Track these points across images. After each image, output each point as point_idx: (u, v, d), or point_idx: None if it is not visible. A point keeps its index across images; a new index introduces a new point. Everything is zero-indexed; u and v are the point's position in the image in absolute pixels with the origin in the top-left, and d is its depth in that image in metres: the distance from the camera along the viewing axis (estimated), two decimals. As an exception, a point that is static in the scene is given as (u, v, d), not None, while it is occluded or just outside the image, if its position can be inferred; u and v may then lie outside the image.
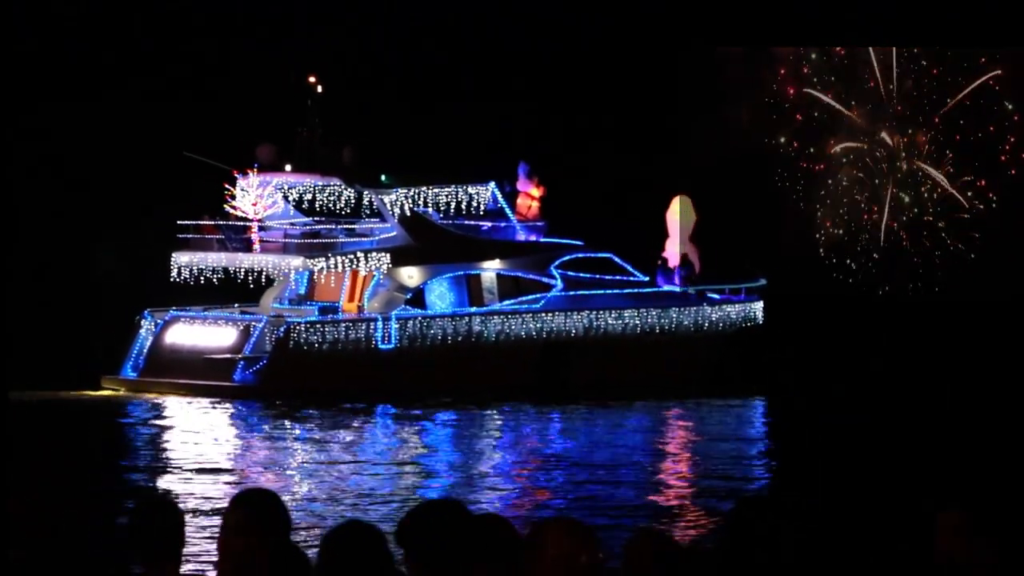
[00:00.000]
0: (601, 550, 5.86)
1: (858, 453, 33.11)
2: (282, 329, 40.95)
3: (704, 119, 74.33)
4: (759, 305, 47.32)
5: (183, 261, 43.11)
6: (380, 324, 41.84)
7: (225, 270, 43.07)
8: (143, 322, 42.41)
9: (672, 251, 47.21)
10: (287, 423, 37.27)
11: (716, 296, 46.96)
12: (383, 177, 43.52)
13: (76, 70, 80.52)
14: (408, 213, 43.45)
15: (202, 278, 43.00)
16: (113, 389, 41.58)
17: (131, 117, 76.38)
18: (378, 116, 58.36)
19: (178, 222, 43.67)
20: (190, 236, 43.41)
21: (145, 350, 42.01)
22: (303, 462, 31.99)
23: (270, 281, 44.06)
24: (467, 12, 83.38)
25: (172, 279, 43.05)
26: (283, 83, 48.67)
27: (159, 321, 42.24)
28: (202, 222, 43.39)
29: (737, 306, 46.75)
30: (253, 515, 6.53)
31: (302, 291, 44.18)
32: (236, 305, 44.06)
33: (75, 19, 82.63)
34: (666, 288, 46.24)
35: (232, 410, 39.18)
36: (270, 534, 6.47)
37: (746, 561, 6.09)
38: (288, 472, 30.75)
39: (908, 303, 66.89)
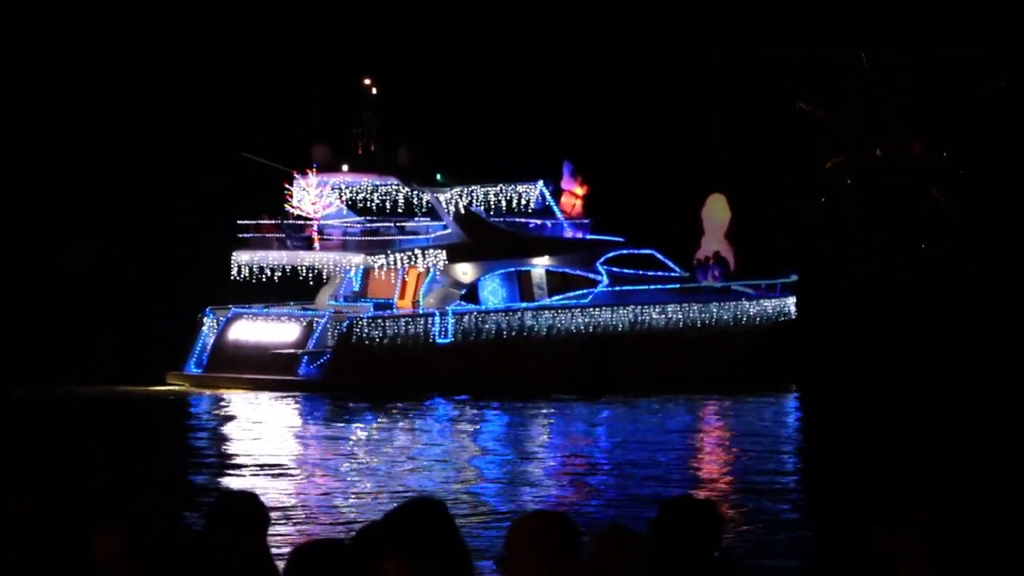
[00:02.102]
0: (578, 543, 5.81)
1: (860, 452, 33.96)
2: (344, 324, 42.04)
3: (702, 121, 75.59)
4: (792, 300, 48.71)
5: (243, 259, 44.11)
6: (438, 319, 43.00)
7: (284, 268, 44.12)
8: (205, 319, 43.37)
9: (707, 248, 48.58)
10: (352, 416, 38.34)
11: (752, 292, 48.34)
12: (438, 176, 44.71)
13: (76, 70, 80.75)
14: (462, 211, 44.66)
15: (263, 276, 44.01)
16: (178, 385, 42.55)
17: (133, 117, 76.82)
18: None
19: (238, 221, 44.66)
20: (250, 235, 44.39)
21: (208, 346, 42.98)
22: (369, 453, 33.04)
23: (324, 279, 45.13)
24: (467, 12, 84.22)
25: (232, 277, 44.03)
26: (336, 84, 49.66)
27: (221, 318, 43.22)
28: (262, 221, 44.38)
29: (773, 301, 48.16)
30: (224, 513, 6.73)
31: (356, 288, 45.29)
32: (291, 303, 45.11)
33: (75, 19, 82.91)
34: (705, 284, 47.63)
35: (298, 403, 40.24)
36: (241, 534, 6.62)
37: (672, 557, 6.18)
38: (354, 462, 31.79)
39: (907, 304, 68.20)
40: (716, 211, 49.21)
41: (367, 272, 44.83)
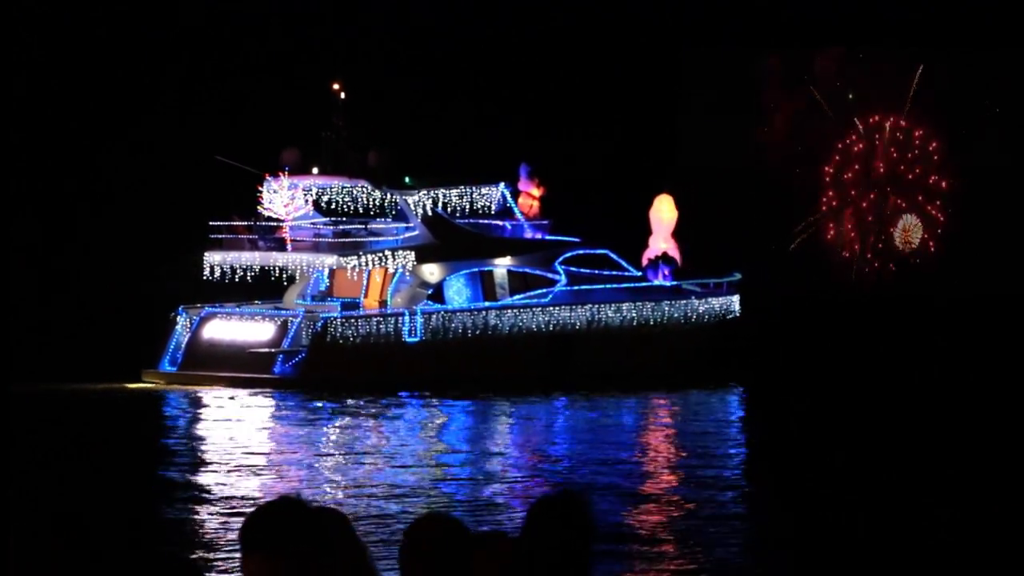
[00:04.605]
0: (467, 548, 5.87)
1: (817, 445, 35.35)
2: (319, 324, 43.21)
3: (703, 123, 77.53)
4: (736, 298, 50.62)
5: (216, 260, 45.07)
6: (407, 318, 44.34)
7: (256, 269, 45.11)
8: (178, 318, 44.29)
9: (655, 247, 50.34)
10: (326, 412, 39.43)
11: (700, 290, 50.19)
12: (406, 179, 46.01)
13: (83, 74, 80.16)
14: (429, 213, 46.01)
15: (235, 276, 45.01)
16: (154, 382, 43.44)
17: (108, 120, 76.81)
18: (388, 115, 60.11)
19: (210, 223, 45.61)
20: (222, 236, 45.35)
21: (183, 345, 43.91)
22: (343, 449, 34.15)
23: (291, 279, 46.24)
24: (467, 11, 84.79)
25: (205, 277, 44.98)
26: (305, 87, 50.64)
27: (194, 317, 44.17)
28: (234, 222, 45.36)
29: (720, 299, 50.04)
30: None
31: (323, 288, 46.46)
32: (258, 302, 46.16)
33: (80, 22, 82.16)
34: (656, 283, 49.42)
35: (273, 401, 41.24)
36: None
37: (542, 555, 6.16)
38: (327, 458, 32.90)
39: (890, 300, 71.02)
40: (663, 211, 50.95)
41: (333, 272, 46.04)
